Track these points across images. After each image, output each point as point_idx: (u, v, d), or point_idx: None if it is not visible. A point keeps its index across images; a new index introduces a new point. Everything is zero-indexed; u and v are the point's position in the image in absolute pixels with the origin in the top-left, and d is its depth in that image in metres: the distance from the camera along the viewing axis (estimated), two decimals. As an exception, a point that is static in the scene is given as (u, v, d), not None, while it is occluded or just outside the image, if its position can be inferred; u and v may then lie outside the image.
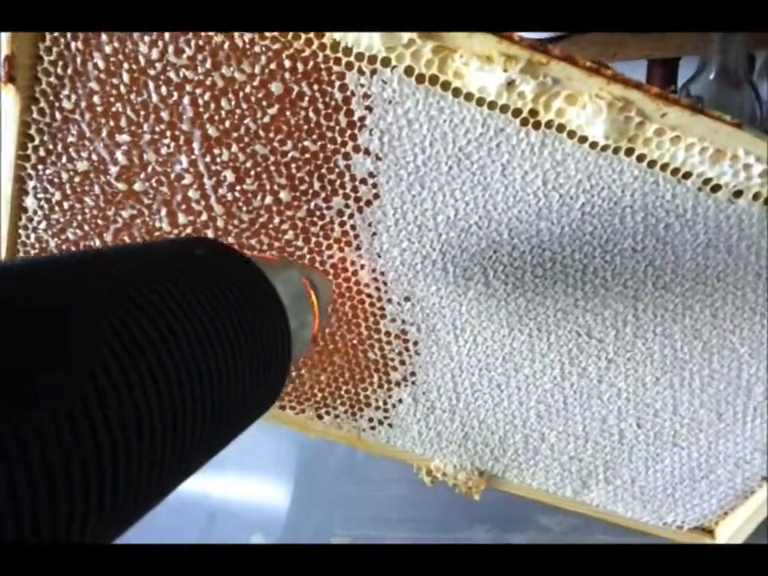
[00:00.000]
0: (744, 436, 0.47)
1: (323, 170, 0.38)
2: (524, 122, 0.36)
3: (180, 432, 0.19)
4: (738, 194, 0.37)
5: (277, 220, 0.40)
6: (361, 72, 0.35)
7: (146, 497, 0.19)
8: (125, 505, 0.17)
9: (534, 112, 0.36)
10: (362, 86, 0.36)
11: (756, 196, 0.37)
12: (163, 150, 0.38)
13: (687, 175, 0.37)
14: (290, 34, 0.34)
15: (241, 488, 0.70)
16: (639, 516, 0.52)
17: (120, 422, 0.16)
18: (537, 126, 0.36)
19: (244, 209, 0.40)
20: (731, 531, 0.52)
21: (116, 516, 0.17)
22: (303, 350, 0.30)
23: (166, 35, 0.35)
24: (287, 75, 0.36)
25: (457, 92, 0.36)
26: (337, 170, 0.38)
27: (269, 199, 0.39)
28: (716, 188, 0.37)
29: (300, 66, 0.35)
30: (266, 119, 0.37)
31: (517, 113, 0.36)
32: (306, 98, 0.36)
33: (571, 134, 0.36)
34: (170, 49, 0.35)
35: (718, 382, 0.45)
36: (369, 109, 0.36)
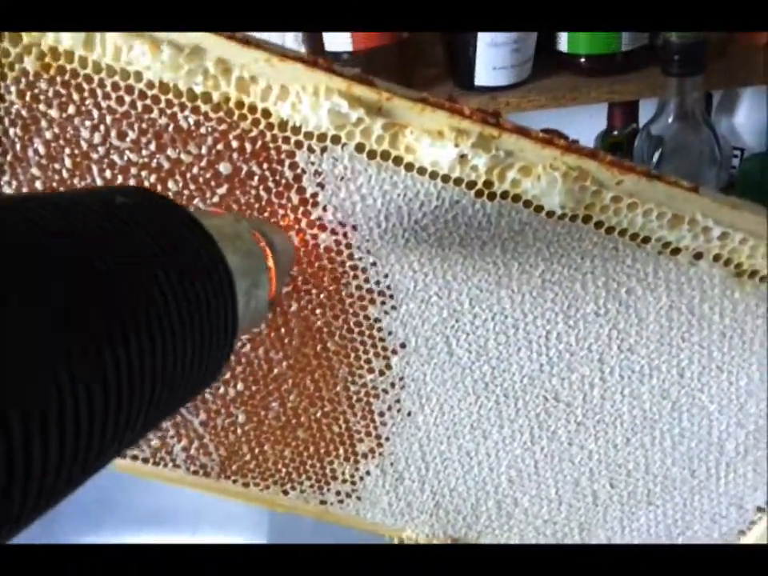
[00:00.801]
0: (718, 492, 0.47)
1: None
2: (479, 194, 0.35)
3: (98, 419, 0.17)
4: (698, 256, 0.37)
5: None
6: (311, 150, 0.34)
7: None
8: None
9: (488, 183, 0.35)
10: (313, 163, 0.35)
11: (716, 258, 0.37)
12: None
13: (646, 240, 0.37)
14: (237, 114, 0.34)
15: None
16: (618, 576, 0.51)
17: None
18: (492, 197, 0.35)
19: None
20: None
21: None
22: (258, 316, 0.27)
23: (108, 119, 0.34)
24: (235, 155, 0.35)
25: (409, 167, 0.35)
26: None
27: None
28: (676, 251, 0.37)
29: (248, 146, 0.34)
30: (216, 199, 0.36)
31: (471, 185, 0.35)
32: (256, 177, 0.35)
33: (527, 204, 0.36)
34: (113, 132, 0.34)
35: (689, 440, 0.44)
36: (321, 186, 0.35)
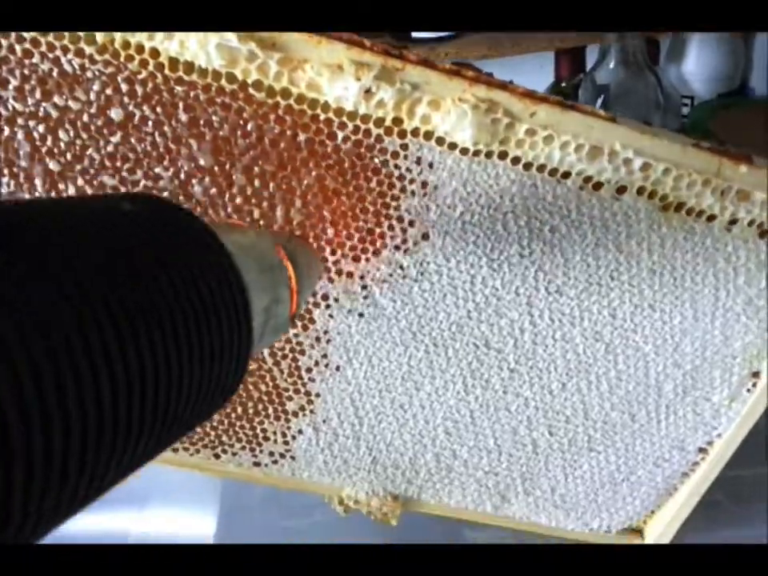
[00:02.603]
0: (660, 435, 0.46)
1: (181, 199, 0.35)
2: (388, 132, 0.34)
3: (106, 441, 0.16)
4: (621, 190, 0.36)
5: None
6: (205, 90, 0.33)
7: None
8: None
9: (398, 120, 0.33)
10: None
11: (640, 191, 0.36)
12: (2, 190, 0.35)
13: (566, 175, 0.35)
14: (123, 56, 0.31)
15: (164, 522, 0.66)
16: (564, 525, 0.50)
17: None
18: (402, 134, 0.34)
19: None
20: (660, 529, 0.51)
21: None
22: (278, 332, 0.25)
23: (-12, 66, 0.32)
24: (126, 99, 0.33)
25: (314, 104, 0.33)
26: (194, 198, 0.35)
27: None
28: (598, 185, 0.36)
29: (139, 89, 0.32)
30: (110, 148, 0.34)
31: (379, 122, 0.33)
32: (150, 123, 0.33)
33: (440, 141, 0.34)
34: (-6, 81, 0.32)
35: (627, 383, 0.43)
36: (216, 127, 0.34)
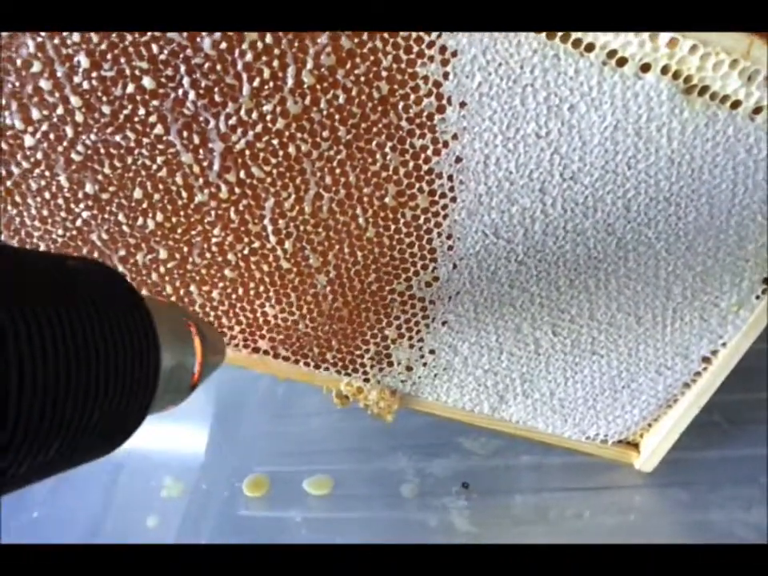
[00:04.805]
0: (664, 341, 0.45)
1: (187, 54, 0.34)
2: (408, -12, 0.32)
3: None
4: (645, 68, 0.34)
5: (142, 111, 0.36)
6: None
7: None
8: None
9: None
10: None
11: (665, 70, 0.34)
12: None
13: (590, 47, 0.34)
14: None
15: (152, 432, 0.66)
16: (560, 431, 0.50)
17: None
18: (423, -8, 0.32)
19: (104, 99, 0.35)
20: (655, 443, 0.51)
21: None
22: (177, 397, 0.29)
23: None
24: None
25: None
26: (197, 58, 0.34)
27: (131, 88, 0.35)
28: (622, 61, 0.34)
29: None
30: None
31: (400, -23, 0.32)
32: None
33: (462, 2, 0.33)
34: None
35: (635, 283, 0.42)
36: None
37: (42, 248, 0.40)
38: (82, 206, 0.39)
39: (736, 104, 0.35)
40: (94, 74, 0.35)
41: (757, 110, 0.36)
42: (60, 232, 0.40)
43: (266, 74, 0.35)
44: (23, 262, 0.22)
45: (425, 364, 0.46)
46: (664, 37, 0.33)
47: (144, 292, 0.41)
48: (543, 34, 0.33)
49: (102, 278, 0.24)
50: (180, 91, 0.35)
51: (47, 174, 0.38)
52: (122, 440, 0.25)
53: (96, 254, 0.40)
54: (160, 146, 0.37)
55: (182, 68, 0.34)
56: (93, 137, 0.36)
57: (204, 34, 0.33)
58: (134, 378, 0.23)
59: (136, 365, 0.23)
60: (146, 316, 0.24)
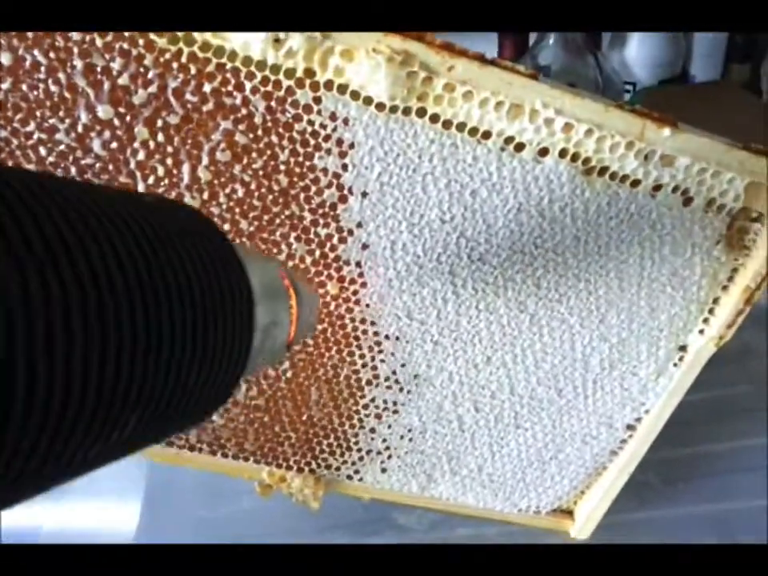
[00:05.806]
0: (587, 411, 0.45)
1: (78, 154, 0.33)
2: (300, 84, 0.32)
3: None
4: (543, 152, 0.35)
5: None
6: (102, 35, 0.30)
7: None
8: None
9: (309, 72, 0.32)
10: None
11: (562, 153, 0.35)
12: None
13: (487, 135, 0.34)
14: None
15: (81, 516, 0.63)
16: (492, 505, 0.49)
17: None
18: (315, 87, 0.32)
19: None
20: (589, 509, 0.50)
21: None
22: (273, 356, 0.26)
23: None
24: (15, 42, 0.30)
25: (219, 52, 0.31)
26: (93, 153, 0.33)
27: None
28: (519, 147, 0.34)
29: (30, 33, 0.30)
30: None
31: (290, 73, 0.32)
32: (43, 68, 0.31)
33: (355, 95, 0.32)
34: None
35: (552, 357, 0.42)
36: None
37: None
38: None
39: (636, 183, 0.36)
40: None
41: (656, 188, 0.36)
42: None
43: (160, 171, 0.34)
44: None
45: (347, 449, 0.45)
46: (559, 122, 0.33)
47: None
48: (438, 123, 0.33)
49: (196, 223, 0.22)
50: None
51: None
52: (217, 406, 0.22)
53: None
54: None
55: (73, 170, 0.33)
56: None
57: (93, 134, 0.33)
58: (228, 340, 0.20)
59: (228, 323, 0.20)
60: (240, 266, 0.22)
